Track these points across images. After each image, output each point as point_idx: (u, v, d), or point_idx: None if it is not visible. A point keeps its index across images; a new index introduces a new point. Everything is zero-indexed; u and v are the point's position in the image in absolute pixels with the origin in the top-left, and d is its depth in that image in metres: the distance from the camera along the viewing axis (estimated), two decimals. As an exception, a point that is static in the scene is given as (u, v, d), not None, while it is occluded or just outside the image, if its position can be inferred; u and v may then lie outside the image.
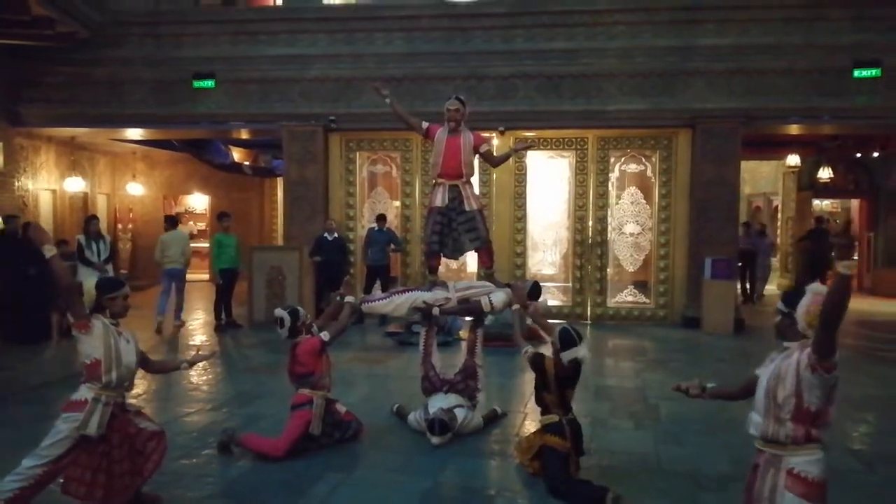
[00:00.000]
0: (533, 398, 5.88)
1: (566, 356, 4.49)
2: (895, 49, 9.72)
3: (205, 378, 7.43)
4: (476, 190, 11.01)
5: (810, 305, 2.96)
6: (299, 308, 5.36)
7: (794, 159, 14.60)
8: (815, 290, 2.97)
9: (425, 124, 6.11)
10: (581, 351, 4.48)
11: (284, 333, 5.18)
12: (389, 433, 5.53)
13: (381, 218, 10.76)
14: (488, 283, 5.89)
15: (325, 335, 5.13)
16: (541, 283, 5.80)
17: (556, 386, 4.59)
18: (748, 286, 13.80)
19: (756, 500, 3.09)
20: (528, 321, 5.82)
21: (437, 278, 6.18)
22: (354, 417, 5.40)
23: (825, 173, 14.82)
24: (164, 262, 10.08)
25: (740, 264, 12.25)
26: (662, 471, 4.81)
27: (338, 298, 5.61)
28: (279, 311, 5.26)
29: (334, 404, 5.27)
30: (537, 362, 4.65)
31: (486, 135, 6.15)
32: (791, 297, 3.06)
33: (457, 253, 6.31)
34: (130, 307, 4.11)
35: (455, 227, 5.90)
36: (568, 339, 4.52)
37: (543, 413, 4.68)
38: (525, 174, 11.07)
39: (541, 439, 4.59)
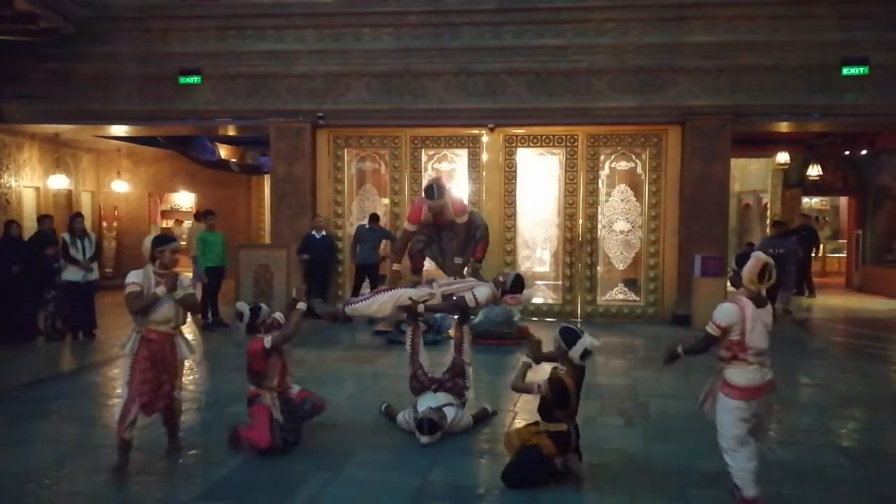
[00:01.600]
0: (521, 395, 5.87)
1: (576, 352, 4.35)
2: (883, 47, 9.76)
3: (191, 378, 7.36)
4: (466, 189, 11.09)
5: (751, 267, 3.92)
6: (263, 306, 5.33)
7: (783, 157, 14.67)
8: (757, 256, 3.95)
9: (412, 227, 6.26)
10: (587, 340, 4.36)
11: (242, 329, 5.19)
12: (378, 432, 5.48)
13: (374, 218, 10.68)
14: (471, 279, 5.84)
15: (267, 341, 4.98)
16: (524, 277, 5.76)
17: (577, 395, 4.43)
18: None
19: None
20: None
21: (422, 278, 6.14)
22: (311, 394, 5.29)
23: (814, 171, 14.90)
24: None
25: None
26: (652, 468, 4.79)
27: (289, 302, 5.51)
28: (241, 305, 5.28)
29: (287, 392, 5.17)
30: (558, 388, 4.36)
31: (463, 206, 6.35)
32: (741, 258, 4.04)
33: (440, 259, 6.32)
34: (178, 260, 4.86)
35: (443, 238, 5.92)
36: (571, 334, 4.42)
37: (550, 421, 4.45)
38: (515, 172, 11.04)
39: (536, 439, 4.45)
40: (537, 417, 4.57)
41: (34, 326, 9.20)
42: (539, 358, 4.67)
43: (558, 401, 4.38)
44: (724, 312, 3.98)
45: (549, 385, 4.39)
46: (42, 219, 9.89)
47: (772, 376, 4.11)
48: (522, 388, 4.59)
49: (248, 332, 5.18)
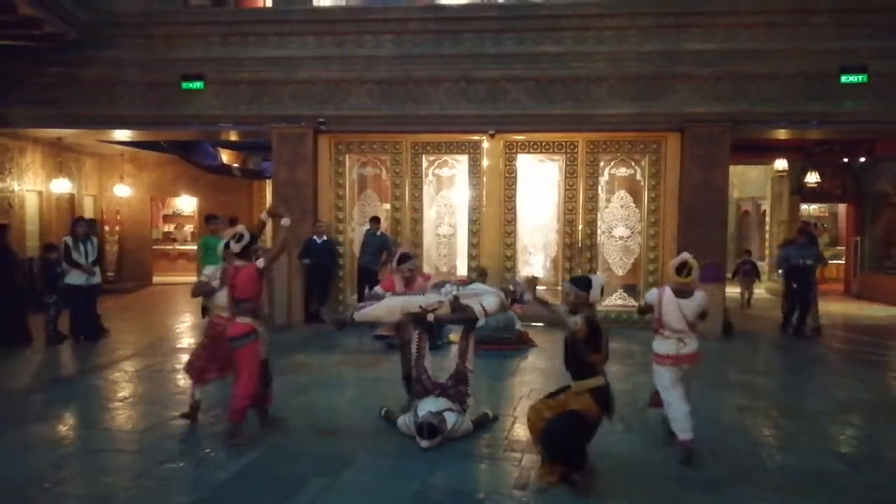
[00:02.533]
0: (521, 400, 5.91)
1: (595, 293, 4.56)
2: (881, 55, 9.80)
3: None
4: (466, 195, 11.13)
5: (673, 263, 5.20)
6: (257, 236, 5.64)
7: (781, 164, 14.72)
8: (682, 255, 5.22)
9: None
10: (599, 278, 4.77)
11: (236, 249, 5.29)
12: (378, 437, 5.51)
13: (374, 220, 10.72)
14: (479, 286, 5.88)
15: (259, 262, 5.28)
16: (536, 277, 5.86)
17: (606, 338, 4.47)
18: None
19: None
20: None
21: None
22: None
23: (812, 178, 14.94)
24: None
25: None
26: (651, 474, 4.82)
27: (263, 217, 5.86)
28: (241, 227, 5.50)
29: None
30: (594, 325, 4.42)
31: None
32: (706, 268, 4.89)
33: None
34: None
35: None
36: (581, 280, 4.65)
37: (584, 376, 4.40)
38: (515, 178, 11.08)
39: (576, 403, 4.37)
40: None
41: (27, 331, 9.21)
42: (555, 320, 4.76)
43: (593, 341, 4.39)
44: (649, 294, 5.47)
45: (586, 321, 4.42)
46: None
47: (691, 350, 5.13)
48: (557, 318, 4.62)
49: (242, 254, 5.31)
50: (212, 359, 5.71)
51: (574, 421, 4.36)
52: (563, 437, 4.39)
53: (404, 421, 5.47)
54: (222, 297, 5.53)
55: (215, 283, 5.63)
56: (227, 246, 5.45)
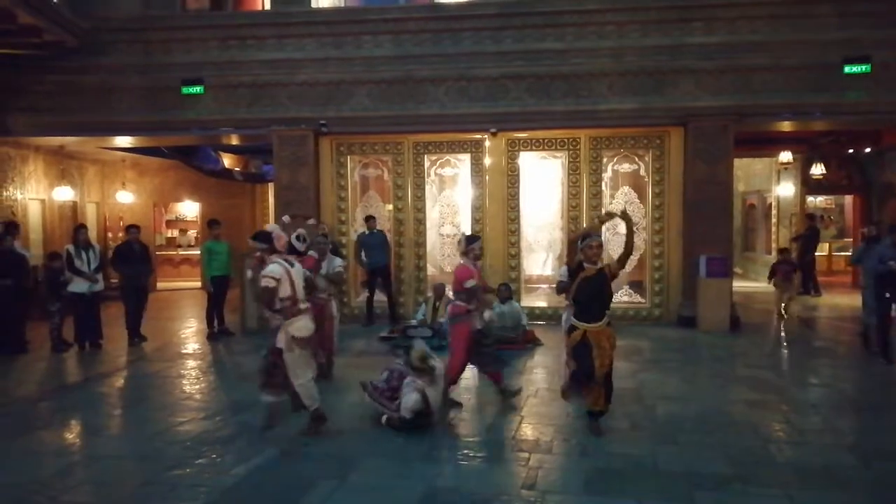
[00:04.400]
0: (529, 399, 5.87)
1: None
2: (884, 44, 9.72)
3: (197, 387, 7.36)
4: (468, 194, 11.11)
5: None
6: None
7: (786, 156, 14.63)
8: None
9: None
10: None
11: (301, 247, 6.01)
12: (384, 439, 5.48)
13: (370, 218, 10.77)
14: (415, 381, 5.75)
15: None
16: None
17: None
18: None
19: None
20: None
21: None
22: None
23: (818, 170, 14.84)
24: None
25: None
26: (659, 471, 4.77)
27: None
28: (282, 227, 6.04)
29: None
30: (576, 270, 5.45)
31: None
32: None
33: None
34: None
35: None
36: (582, 234, 5.53)
37: (603, 315, 5.51)
38: (518, 176, 11.04)
39: (608, 342, 5.48)
40: (545, 420, 4.60)
41: (23, 339, 9.21)
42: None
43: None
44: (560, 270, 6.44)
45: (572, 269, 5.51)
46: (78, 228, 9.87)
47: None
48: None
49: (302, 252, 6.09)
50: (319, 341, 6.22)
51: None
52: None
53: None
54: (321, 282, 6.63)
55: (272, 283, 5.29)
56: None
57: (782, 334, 10.21)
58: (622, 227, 10.81)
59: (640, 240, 10.89)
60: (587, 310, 5.44)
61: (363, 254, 10.61)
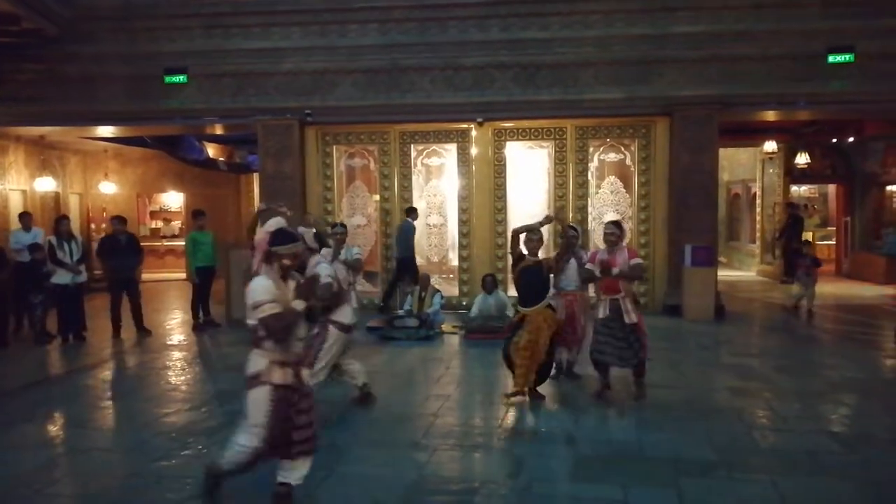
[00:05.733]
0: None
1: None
2: (868, 34, 9.78)
3: (183, 378, 7.32)
4: (455, 184, 11.08)
5: (259, 238, 3.78)
6: None
7: (771, 146, 14.72)
8: (266, 227, 3.75)
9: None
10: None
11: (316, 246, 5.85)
12: (372, 428, 5.48)
13: (413, 210, 10.82)
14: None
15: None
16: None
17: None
18: None
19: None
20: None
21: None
22: None
23: (802, 159, 14.95)
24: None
25: None
26: (645, 457, 4.80)
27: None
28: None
29: None
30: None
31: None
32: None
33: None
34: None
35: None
36: (525, 229, 6.01)
37: (542, 299, 5.96)
38: (504, 165, 11.03)
39: (547, 324, 5.89)
40: (533, 408, 4.62)
41: (3, 333, 9.10)
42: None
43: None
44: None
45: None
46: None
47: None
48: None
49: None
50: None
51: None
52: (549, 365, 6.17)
53: None
54: (569, 278, 6.69)
55: (328, 280, 5.45)
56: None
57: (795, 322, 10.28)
58: (608, 217, 10.90)
59: (626, 229, 10.93)
60: (525, 295, 6.00)
61: (408, 243, 10.68)
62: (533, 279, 5.96)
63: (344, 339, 5.77)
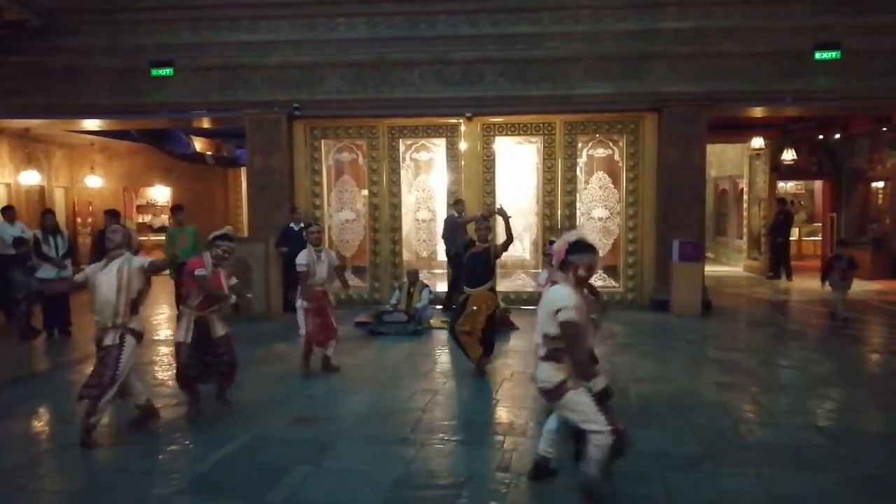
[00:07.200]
0: (504, 383, 5.90)
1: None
2: (854, 31, 9.84)
3: (169, 373, 7.26)
4: (444, 179, 11.05)
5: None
6: None
7: (758, 142, 14.79)
8: (565, 237, 3.91)
9: None
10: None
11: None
12: (358, 423, 5.46)
13: (460, 202, 10.37)
14: None
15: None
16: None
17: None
18: None
19: None
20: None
21: None
22: None
23: (789, 155, 15.03)
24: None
25: None
26: (632, 452, 4.79)
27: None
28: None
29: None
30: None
31: None
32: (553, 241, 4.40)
33: None
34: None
35: None
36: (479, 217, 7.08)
37: (485, 281, 6.79)
38: (493, 160, 11.02)
39: (487, 304, 6.73)
40: (520, 403, 4.63)
41: None
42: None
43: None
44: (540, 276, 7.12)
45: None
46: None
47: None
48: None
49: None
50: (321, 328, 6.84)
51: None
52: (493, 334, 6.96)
53: None
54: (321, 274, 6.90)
55: (304, 268, 6.82)
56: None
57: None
58: (596, 212, 10.95)
59: (614, 224, 10.97)
60: (473, 277, 6.78)
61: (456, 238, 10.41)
62: (481, 262, 6.75)
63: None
